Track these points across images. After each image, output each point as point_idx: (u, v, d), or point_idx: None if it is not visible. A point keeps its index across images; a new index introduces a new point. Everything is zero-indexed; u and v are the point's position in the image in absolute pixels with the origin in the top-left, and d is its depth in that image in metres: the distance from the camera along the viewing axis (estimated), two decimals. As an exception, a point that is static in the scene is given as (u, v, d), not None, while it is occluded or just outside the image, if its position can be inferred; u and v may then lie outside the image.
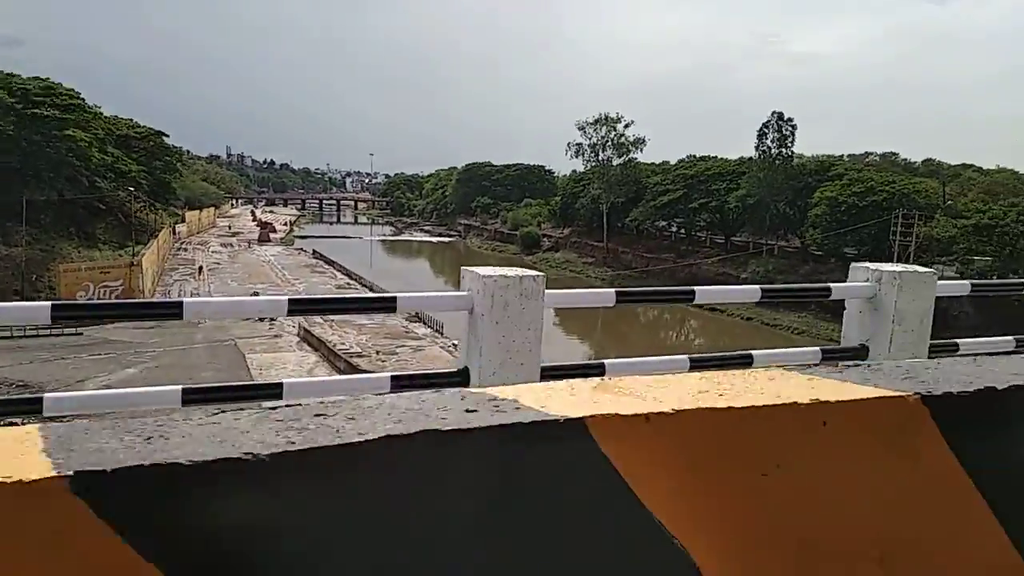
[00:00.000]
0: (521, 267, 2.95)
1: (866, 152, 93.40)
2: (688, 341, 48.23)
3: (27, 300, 28.29)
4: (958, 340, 3.72)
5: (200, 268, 57.76)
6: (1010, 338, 3.73)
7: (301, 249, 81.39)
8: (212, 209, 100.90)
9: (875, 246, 43.53)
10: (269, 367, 26.97)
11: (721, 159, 62.63)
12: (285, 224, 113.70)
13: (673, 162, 69.77)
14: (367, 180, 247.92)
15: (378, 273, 65.47)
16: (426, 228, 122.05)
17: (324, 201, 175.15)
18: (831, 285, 3.73)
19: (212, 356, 26.63)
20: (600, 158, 69.43)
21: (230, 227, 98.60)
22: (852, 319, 3.60)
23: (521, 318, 2.71)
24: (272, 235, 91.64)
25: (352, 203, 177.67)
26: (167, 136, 53.80)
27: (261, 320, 37.03)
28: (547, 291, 2.85)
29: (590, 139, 69.07)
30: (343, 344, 34.22)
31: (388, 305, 3.09)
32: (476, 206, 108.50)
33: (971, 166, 79.60)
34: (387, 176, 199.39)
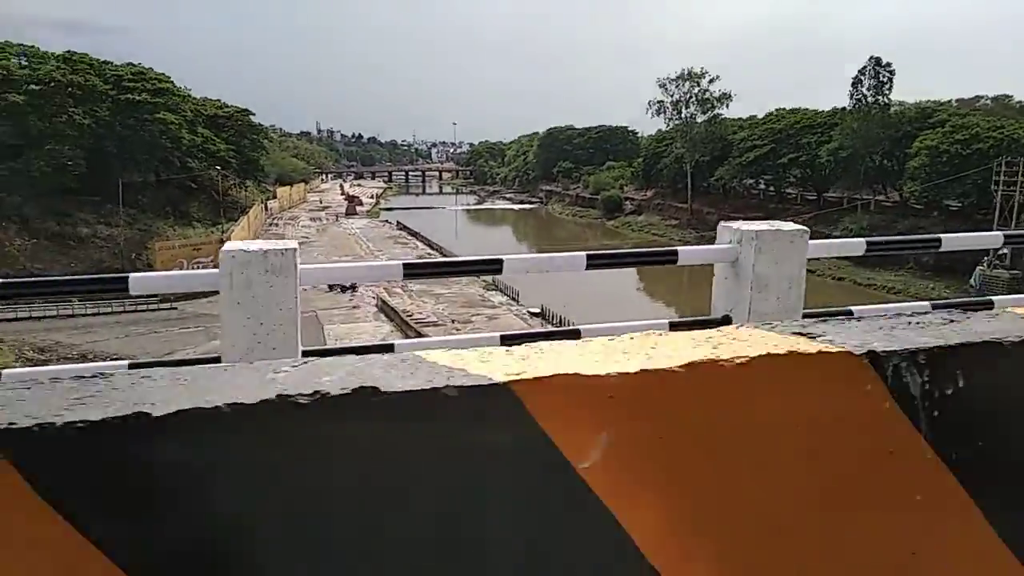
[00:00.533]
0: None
1: (976, 96, 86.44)
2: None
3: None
4: (853, 307, 3.28)
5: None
6: (926, 303, 3.44)
7: (386, 221, 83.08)
8: (302, 185, 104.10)
9: (980, 197, 40.45)
10: (344, 337, 27.67)
11: (812, 111, 59.35)
12: (372, 197, 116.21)
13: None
14: (452, 150, 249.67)
15: (461, 242, 66.09)
16: (508, 196, 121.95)
17: (410, 173, 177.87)
18: (678, 248, 3.43)
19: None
20: (683, 115, 67.09)
21: (320, 201, 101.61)
22: (718, 286, 3.28)
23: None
24: (359, 208, 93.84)
25: (437, 173, 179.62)
26: (253, 114, 55.46)
27: (343, 291, 38.10)
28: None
29: (672, 96, 66.83)
30: (420, 314, 34.78)
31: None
32: (558, 171, 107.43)
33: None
34: (471, 145, 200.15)
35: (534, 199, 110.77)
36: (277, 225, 72.45)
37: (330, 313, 31.81)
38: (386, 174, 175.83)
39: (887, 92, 51.52)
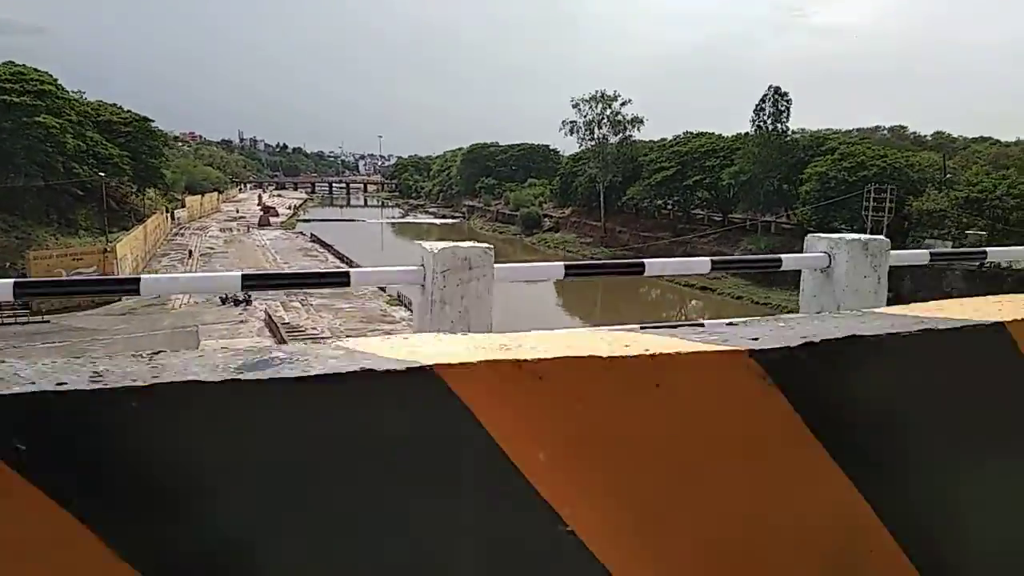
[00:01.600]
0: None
1: (876, 126, 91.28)
2: (675, 317, 47.47)
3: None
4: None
5: (190, 252, 57.86)
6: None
7: (301, 233, 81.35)
8: (216, 194, 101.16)
9: (863, 222, 42.46)
10: (220, 353, 26.69)
11: (716, 135, 61.35)
12: (289, 208, 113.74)
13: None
14: (380, 163, 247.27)
15: (377, 255, 65.20)
16: (431, 210, 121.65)
17: (334, 184, 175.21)
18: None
19: (168, 342, 26.46)
20: (596, 136, 68.28)
21: (237, 211, 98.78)
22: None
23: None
24: (273, 219, 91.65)
25: (362, 186, 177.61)
26: (152, 121, 53.49)
27: (236, 304, 36.93)
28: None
29: (585, 116, 67.94)
30: (314, 328, 33.99)
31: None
32: (480, 187, 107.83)
33: (988, 139, 77.41)
34: (400, 158, 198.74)
35: (457, 214, 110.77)
36: (183, 235, 70.04)
37: (215, 328, 30.72)
38: (309, 185, 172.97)
39: (785, 120, 53.67)
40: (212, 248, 62.34)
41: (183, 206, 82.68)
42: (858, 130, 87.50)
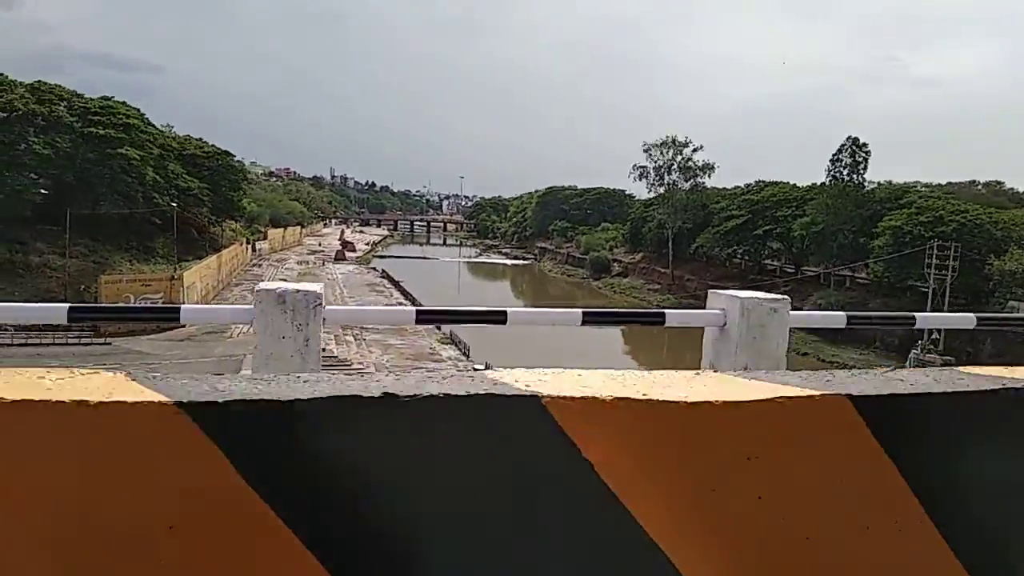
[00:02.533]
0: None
1: (972, 180, 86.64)
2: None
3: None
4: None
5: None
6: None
7: (373, 269, 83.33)
8: (298, 228, 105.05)
9: (939, 279, 40.00)
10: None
11: (789, 185, 59.56)
12: (368, 244, 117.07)
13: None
14: (463, 203, 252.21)
15: (442, 293, 66.00)
16: (505, 251, 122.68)
17: (415, 222, 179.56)
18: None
19: (215, 369, 27.23)
20: (665, 182, 67.47)
21: (320, 244, 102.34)
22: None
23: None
24: (350, 254, 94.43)
25: (442, 225, 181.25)
26: (233, 156, 56.34)
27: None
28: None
29: (655, 162, 67.34)
30: (361, 363, 34.40)
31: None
32: (553, 229, 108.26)
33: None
34: (480, 199, 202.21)
35: (529, 255, 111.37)
36: (260, 266, 72.88)
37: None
38: (392, 223, 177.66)
39: (862, 171, 51.72)
40: (285, 279, 64.46)
41: (265, 238, 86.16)
42: (948, 184, 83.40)
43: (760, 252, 60.91)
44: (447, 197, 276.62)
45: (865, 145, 52.17)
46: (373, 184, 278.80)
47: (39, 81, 40.85)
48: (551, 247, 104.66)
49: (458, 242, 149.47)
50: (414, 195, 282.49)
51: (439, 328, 44.45)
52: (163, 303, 38.72)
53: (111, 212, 40.41)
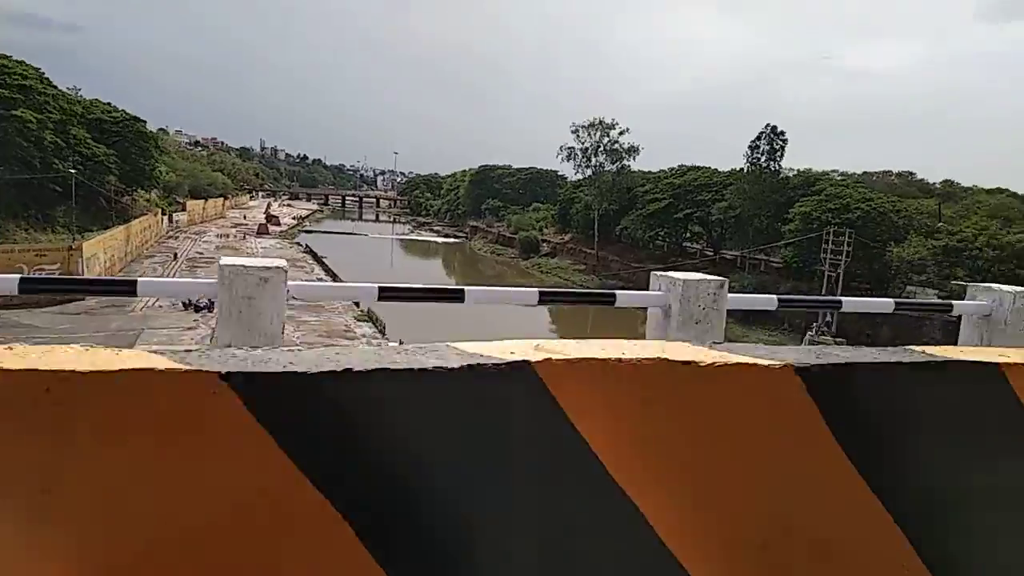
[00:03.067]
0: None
1: (886, 170, 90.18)
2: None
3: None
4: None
5: (175, 255, 57.96)
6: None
7: (298, 244, 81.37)
8: (221, 200, 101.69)
9: (849, 264, 41.50)
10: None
11: (711, 169, 60.75)
12: (296, 219, 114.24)
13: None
14: (399, 179, 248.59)
15: (368, 270, 64.89)
16: (436, 228, 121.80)
17: (347, 198, 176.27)
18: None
19: (104, 344, 26.06)
20: (592, 163, 67.94)
21: (244, 217, 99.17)
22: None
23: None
24: (274, 228, 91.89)
25: (375, 201, 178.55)
26: (143, 121, 53.79)
27: (197, 310, 36.66)
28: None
29: (583, 144, 67.66)
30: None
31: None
32: (486, 208, 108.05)
33: (1005, 191, 75.97)
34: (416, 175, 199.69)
35: (461, 234, 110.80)
36: (176, 239, 70.27)
37: (158, 333, 30.39)
38: (322, 197, 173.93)
39: (779, 158, 53.02)
40: (201, 253, 62.40)
41: (183, 209, 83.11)
42: (864, 173, 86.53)
43: (681, 235, 62.10)
44: (382, 173, 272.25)
45: (783, 133, 53.50)
46: (305, 157, 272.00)
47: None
48: (483, 226, 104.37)
49: (391, 219, 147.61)
50: (348, 170, 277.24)
51: (357, 305, 43.84)
52: (60, 275, 36.91)
53: (4, 178, 38.07)
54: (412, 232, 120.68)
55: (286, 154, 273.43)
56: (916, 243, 37.35)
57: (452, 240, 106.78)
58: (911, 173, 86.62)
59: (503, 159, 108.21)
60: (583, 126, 67.36)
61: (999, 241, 34.87)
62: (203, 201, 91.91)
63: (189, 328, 31.81)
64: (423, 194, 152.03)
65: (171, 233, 73.85)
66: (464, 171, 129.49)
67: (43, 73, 41.60)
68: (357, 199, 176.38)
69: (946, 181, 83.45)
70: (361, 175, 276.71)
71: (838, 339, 32.81)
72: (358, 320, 41.05)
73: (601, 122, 66.72)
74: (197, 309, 36.50)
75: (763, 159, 53.18)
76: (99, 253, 40.93)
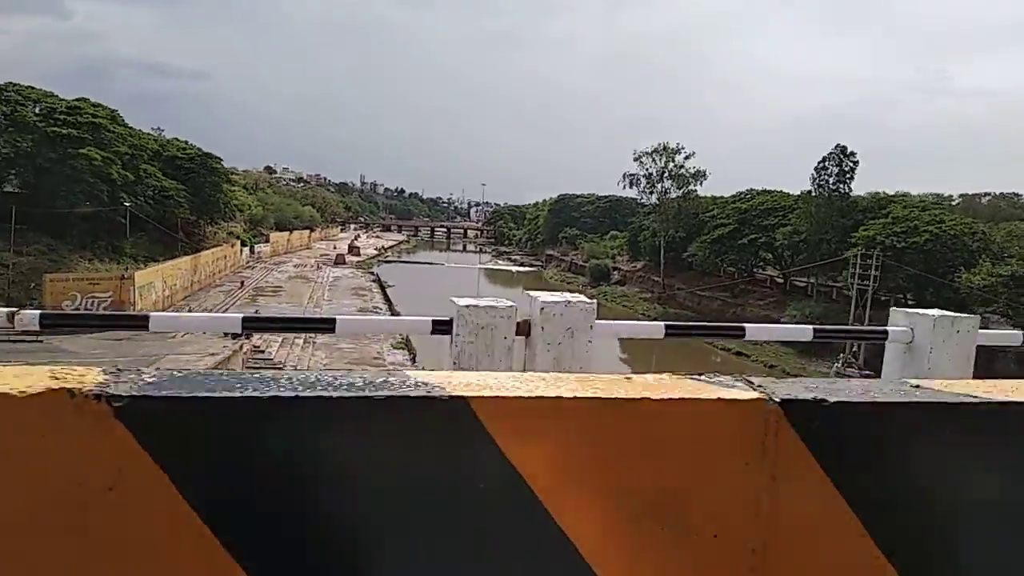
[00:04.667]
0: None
1: (985, 192, 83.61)
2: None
3: (17, 307, 30.18)
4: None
5: (242, 283, 60.43)
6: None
7: (371, 273, 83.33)
8: (307, 232, 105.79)
9: (916, 291, 38.22)
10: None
11: (780, 193, 57.82)
12: (380, 249, 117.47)
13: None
14: (490, 210, 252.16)
15: (433, 298, 65.29)
16: (515, 257, 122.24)
17: (436, 228, 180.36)
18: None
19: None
20: (657, 190, 66.20)
21: (335, 248, 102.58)
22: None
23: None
24: (355, 258, 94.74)
25: (462, 231, 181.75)
26: (217, 158, 56.74)
27: (235, 337, 37.77)
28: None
29: (647, 169, 66.08)
30: (294, 365, 34.06)
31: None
32: (563, 237, 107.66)
33: None
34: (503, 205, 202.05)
35: (537, 262, 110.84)
36: (253, 268, 73.39)
37: (179, 359, 31.37)
38: (413, 228, 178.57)
39: (849, 180, 49.89)
40: (271, 282, 64.82)
41: (266, 241, 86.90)
42: (961, 196, 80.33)
43: (750, 261, 59.24)
44: (476, 204, 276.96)
45: (853, 154, 50.33)
46: (402, 191, 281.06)
47: (8, 83, 41.60)
48: (558, 254, 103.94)
49: (477, 248, 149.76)
50: (443, 202, 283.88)
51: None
52: (112, 302, 39.00)
53: (72, 211, 40.83)
54: (491, 261, 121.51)
55: (384, 188, 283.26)
56: (985, 269, 33.76)
57: (527, 269, 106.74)
58: (1017, 194, 79.72)
59: (588, 187, 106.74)
60: (646, 152, 65.86)
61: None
62: (288, 233, 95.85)
63: (212, 354, 32.70)
64: (507, 224, 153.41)
65: (250, 263, 77.31)
66: (545, 200, 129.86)
67: (116, 113, 44.70)
68: (446, 229, 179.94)
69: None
70: (456, 207, 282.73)
71: (865, 372, 30.00)
72: (393, 348, 41.18)
73: (665, 147, 65.01)
74: (234, 336, 37.62)
75: (832, 181, 50.14)
76: (156, 282, 42.98)
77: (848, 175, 50.17)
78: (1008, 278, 32.08)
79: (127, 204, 42.36)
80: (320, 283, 68.02)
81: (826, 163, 50.96)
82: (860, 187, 52.72)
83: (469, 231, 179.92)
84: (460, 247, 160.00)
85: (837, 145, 51.28)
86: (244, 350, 34.26)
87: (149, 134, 52.62)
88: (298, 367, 34.20)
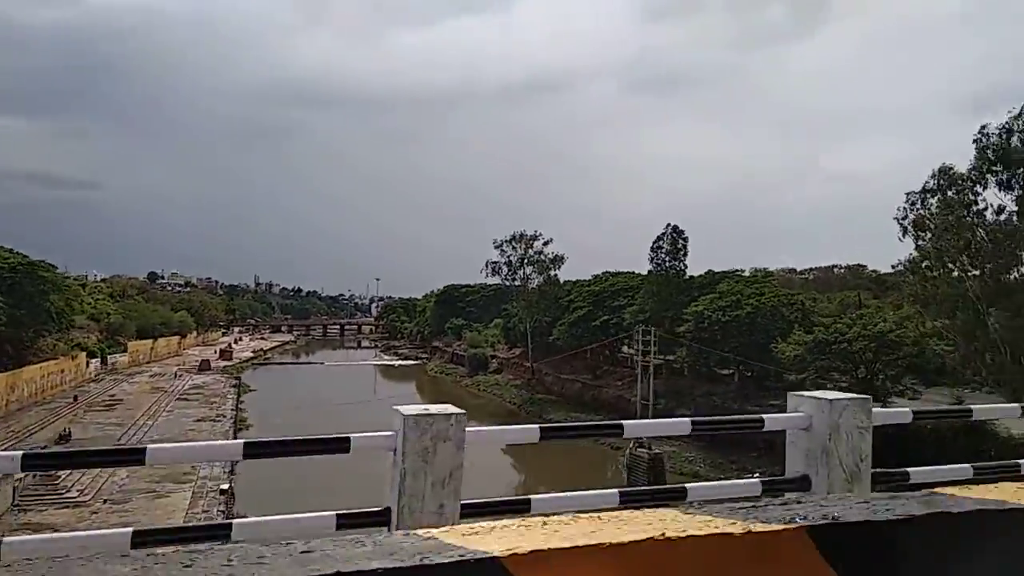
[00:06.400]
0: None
1: (833, 265, 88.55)
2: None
3: None
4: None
5: (75, 398, 56.12)
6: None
7: (236, 378, 79.36)
8: (175, 338, 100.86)
9: (743, 364, 38.85)
10: None
11: (629, 273, 59.21)
12: (257, 351, 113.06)
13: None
14: (385, 304, 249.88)
15: (293, 400, 62.19)
16: (402, 352, 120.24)
17: (328, 326, 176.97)
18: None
19: None
20: (517, 276, 66.72)
21: (213, 352, 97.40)
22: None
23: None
24: (223, 362, 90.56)
25: (356, 327, 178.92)
26: (46, 267, 53.53)
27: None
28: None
29: (507, 257, 66.71)
30: (80, 488, 30.98)
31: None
32: (448, 327, 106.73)
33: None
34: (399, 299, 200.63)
35: (424, 354, 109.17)
36: (99, 381, 68.64)
37: None
38: (303, 328, 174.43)
39: (682, 257, 51.47)
40: (116, 395, 60.44)
41: (124, 351, 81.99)
42: (814, 270, 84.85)
43: (614, 343, 59.80)
44: (377, 300, 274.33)
45: (683, 232, 52.20)
46: (299, 289, 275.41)
47: None
48: (442, 346, 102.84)
49: (371, 343, 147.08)
50: (343, 299, 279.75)
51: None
52: None
53: None
54: (375, 356, 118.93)
55: (281, 288, 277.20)
56: (795, 338, 34.77)
57: (410, 362, 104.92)
58: (862, 266, 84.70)
59: (481, 276, 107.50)
60: (506, 240, 66.66)
61: (870, 331, 32.12)
62: (151, 341, 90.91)
63: None
64: (399, 317, 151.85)
65: (100, 375, 72.27)
66: (433, 291, 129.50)
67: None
68: (339, 327, 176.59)
69: (898, 271, 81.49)
70: (356, 303, 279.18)
71: (654, 452, 29.63)
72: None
73: (522, 235, 66.04)
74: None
75: (667, 259, 51.61)
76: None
77: (681, 253, 51.82)
78: (812, 344, 33.04)
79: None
80: (170, 392, 64.00)
81: (660, 242, 52.55)
82: (723, 264, 54.70)
83: (364, 327, 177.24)
84: (355, 343, 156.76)
85: (668, 224, 53.18)
86: (15, 477, 30.92)
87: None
88: (85, 490, 31.08)
